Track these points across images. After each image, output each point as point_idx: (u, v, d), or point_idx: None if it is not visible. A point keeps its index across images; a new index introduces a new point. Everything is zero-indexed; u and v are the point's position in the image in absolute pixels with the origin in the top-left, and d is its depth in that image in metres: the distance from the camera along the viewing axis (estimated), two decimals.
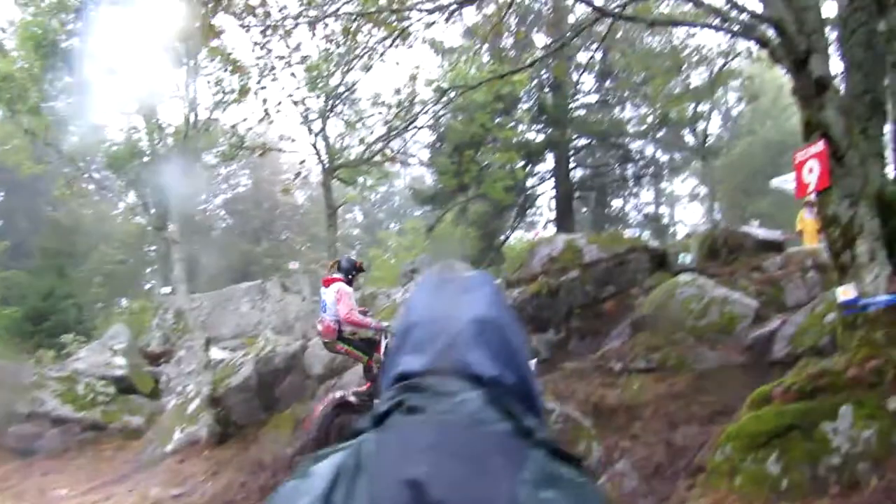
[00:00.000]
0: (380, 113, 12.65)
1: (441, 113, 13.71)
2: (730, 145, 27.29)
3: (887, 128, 5.35)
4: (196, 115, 10.67)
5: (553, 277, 9.12)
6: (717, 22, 6.10)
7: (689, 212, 44.04)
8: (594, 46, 17.17)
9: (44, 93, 10.05)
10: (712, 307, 7.42)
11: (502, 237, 22.48)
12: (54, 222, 26.84)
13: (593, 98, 21.88)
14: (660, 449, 5.38)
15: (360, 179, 14.33)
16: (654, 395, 6.29)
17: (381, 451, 0.78)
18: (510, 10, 9.46)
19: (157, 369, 13.23)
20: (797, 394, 4.33)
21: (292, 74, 10.94)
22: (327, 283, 7.01)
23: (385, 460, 0.77)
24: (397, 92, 12.24)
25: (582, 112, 21.55)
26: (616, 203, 25.16)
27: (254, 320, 15.41)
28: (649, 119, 21.28)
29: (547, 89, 20.25)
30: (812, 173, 4.65)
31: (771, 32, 4.93)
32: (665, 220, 29.20)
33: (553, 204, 22.33)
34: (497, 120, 16.41)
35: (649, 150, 23.14)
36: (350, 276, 7.05)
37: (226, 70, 10.11)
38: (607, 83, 21.20)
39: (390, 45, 8.97)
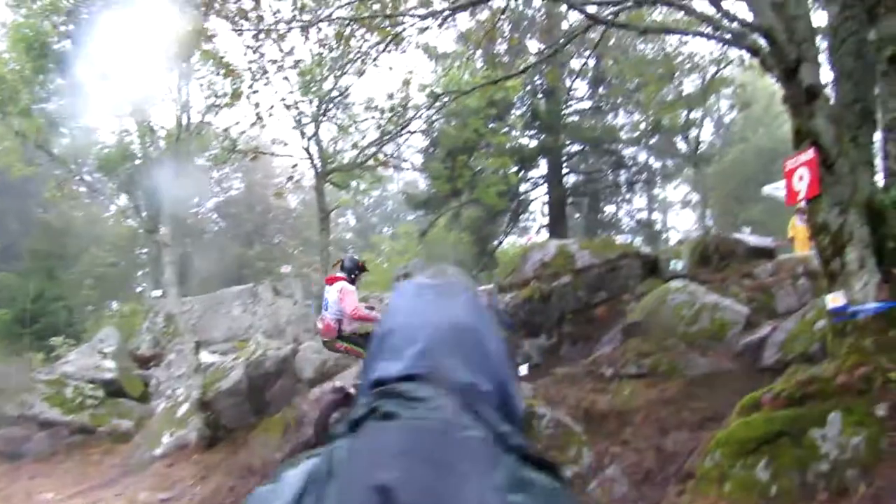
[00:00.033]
0: (373, 117, 12.64)
1: (434, 118, 13.72)
2: (722, 152, 27.47)
3: (877, 136, 5.39)
4: (188, 118, 10.65)
5: (545, 283, 9.14)
6: (708, 30, 6.15)
7: (681, 218, 44.22)
8: (587, 53, 17.26)
9: (35, 95, 10.01)
10: (703, 313, 7.45)
11: (495, 242, 22.51)
12: (45, 224, 26.67)
13: (586, 104, 22.00)
14: (650, 455, 5.39)
15: (354, 183, 14.32)
16: (644, 400, 6.30)
17: (353, 456, 0.78)
18: (504, 16, 9.50)
19: (147, 373, 13.14)
20: (786, 400, 4.34)
21: (285, 78, 10.93)
22: (330, 281, 7.09)
23: (356, 466, 0.77)
24: (390, 96, 12.24)
25: (575, 118, 21.63)
26: (609, 209, 25.27)
27: (245, 324, 15.33)
28: (642, 126, 21.38)
29: (540, 95, 20.32)
30: (802, 181, 4.67)
31: (762, 41, 4.96)
32: (657, 227, 29.35)
33: (546, 209, 22.41)
34: (490, 125, 16.42)
35: (642, 157, 23.31)
36: (353, 276, 7.12)
37: (218, 73, 10.09)
38: (600, 90, 21.29)
39: (384, 50, 9.01)
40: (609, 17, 6.57)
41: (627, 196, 24.66)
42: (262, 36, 8.96)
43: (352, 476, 0.76)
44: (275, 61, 10.16)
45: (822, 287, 5.22)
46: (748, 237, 11.19)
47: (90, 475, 9.03)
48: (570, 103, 21.51)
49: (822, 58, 5.69)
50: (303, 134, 12.20)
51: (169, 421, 9.60)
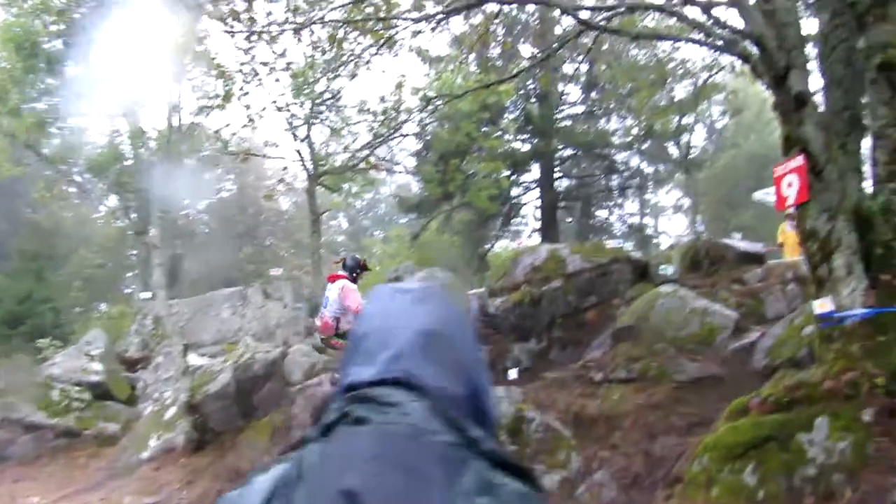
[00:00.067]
0: (365, 120, 12.65)
1: (427, 121, 13.76)
2: (713, 158, 27.61)
3: (865, 143, 5.42)
4: (179, 120, 10.61)
5: (536, 287, 9.13)
6: (700, 37, 6.17)
7: (672, 223, 44.34)
8: (580, 58, 17.26)
9: (25, 94, 9.95)
10: (693, 318, 7.47)
11: (487, 246, 22.53)
12: (33, 225, 26.41)
13: (579, 109, 22.09)
14: (638, 459, 5.39)
15: (345, 186, 14.32)
16: (633, 405, 6.30)
17: (324, 461, 0.78)
18: (497, 21, 9.51)
19: (135, 375, 13.01)
20: (774, 405, 4.35)
21: (277, 80, 10.92)
22: (332, 279, 7.16)
23: (325, 471, 0.77)
24: (383, 100, 12.25)
25: (567, 123, 21.70)
26: (600, 213, 25.36)
27: (234, 326, 15.22)
28: (634, 131, 21.48)
29: (533, 99, 20.38)
30: (791, 187, 4.70)
31: (752, 48, 4.99)
32: (648, 231, 29.42)
33: (538, 213, 22.44)
34: (483, 129, 16.47)
35: (634, 162, 23.41)
36: (355, 275, 7.18)
37: (210, 75, 10.06)
38: (593, 94, 21.37)
39: (376, 53, 8.98)
40: (602, 23, 6.59)
41: (619, 201, 24.80)
42: (254, 38, 8.92)
43: (320, 480, 0.76)
44: (267, 63, 10.14)
45: (810, 293, 5.24)
46: (738, 242, 11.20)
47: (75, 479, 8.94)
48: (562, 108, 21.59)
49: (812, 65, 5.74)
50: (295, 136, 12.19)
51: (156, 424, 9.52)
